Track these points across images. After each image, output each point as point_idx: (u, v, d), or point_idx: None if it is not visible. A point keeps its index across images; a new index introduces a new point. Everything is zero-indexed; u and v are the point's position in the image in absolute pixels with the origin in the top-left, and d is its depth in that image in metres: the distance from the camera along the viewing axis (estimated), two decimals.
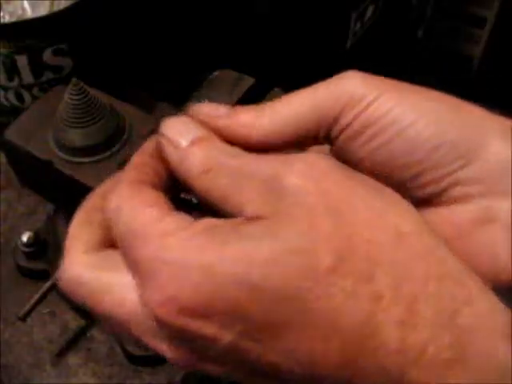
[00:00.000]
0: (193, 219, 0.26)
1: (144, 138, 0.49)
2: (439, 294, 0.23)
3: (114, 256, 0.28)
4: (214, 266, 0.23)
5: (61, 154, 0.48)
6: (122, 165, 0.40)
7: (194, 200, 0.39)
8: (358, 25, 0.90)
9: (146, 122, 0.51)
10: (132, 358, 0.52)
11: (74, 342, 0.54)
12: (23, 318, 0.48)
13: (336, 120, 0.28)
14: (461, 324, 0.23)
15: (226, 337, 0.24)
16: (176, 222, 0.26)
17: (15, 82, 0.61)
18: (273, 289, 0.23)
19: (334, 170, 0.26)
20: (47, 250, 0.56)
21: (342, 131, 0.28)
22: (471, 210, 0.27)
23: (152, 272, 0.25)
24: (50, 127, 0.49)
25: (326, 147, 0.30)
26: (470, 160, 0.27)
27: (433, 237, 0.25)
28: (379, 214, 0.25)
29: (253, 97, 0.45)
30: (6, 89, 0.62)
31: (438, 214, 0.28)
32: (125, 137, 0.49)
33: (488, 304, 0.24)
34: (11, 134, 0.50)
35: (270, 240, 0.24)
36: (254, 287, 0.23)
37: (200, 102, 0.44)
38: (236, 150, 0.28)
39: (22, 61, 0.59)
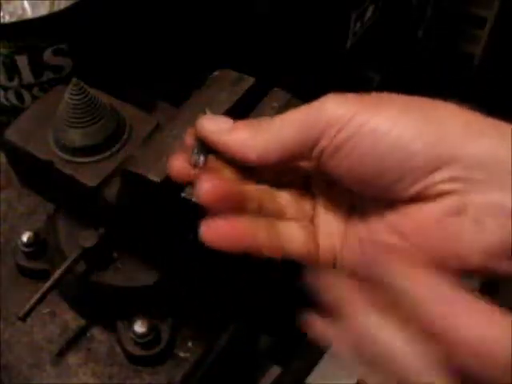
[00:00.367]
0: None
1: (144, 138, 0.49)
2: None
3: None
4: None
5: (61, 154, 0.48)
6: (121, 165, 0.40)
7: (194, 200, 0.39)
8: (358, 25, 0.90)
9: (146, 121, 0.51)
10: (132, 358, 0.52)
11: (73, 341, 0.54)
12: (23, 318, 0.48)
13: (317, 141, 0.31)
14: None
15: None
16: None
17: (15, 82, 0.61)
18: None
19: None
20: (47, 250, 0.56)
21: (323, 151, 0.32)
22: (444, 203, 0.30)
23: None
24: (49, 127, 0.49)
25: None
26: (444, 162, 0.29)
27: None
28: None
29: (253, 97, 0.45)
30: (6, 89, 0.62)
31: (416, 208, 0.31)
32: (125, 137, 0.49)
33: None
34: (11, 133, 0.50)
35: None
36: None
37: (199, 102, 0.44)
38: None
39: (22, 61, 0.59)
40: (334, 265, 0.35)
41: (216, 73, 0.47)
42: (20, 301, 0.54)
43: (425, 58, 1.33)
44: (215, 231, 0.33)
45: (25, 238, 0.55)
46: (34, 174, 0.52)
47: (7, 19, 0.64)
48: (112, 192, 0.46)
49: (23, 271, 0.57)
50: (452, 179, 0.29)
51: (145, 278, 0.51)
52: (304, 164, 0.36)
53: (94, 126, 0.47)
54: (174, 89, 0.60)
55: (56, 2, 0.64)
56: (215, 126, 0.34)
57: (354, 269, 0.34)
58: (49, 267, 0.55)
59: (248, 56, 0.74)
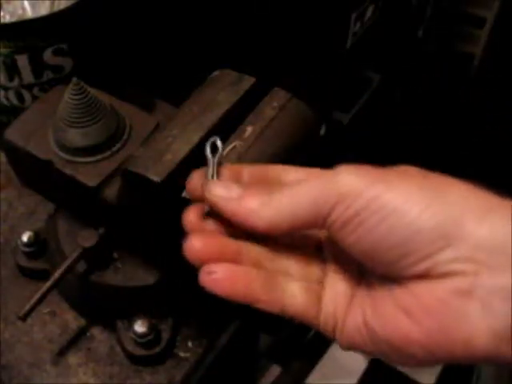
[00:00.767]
0: None
1: (144, 138, 0.49)
2: None
3: None
4: None
5: (61, 154, 0.48)
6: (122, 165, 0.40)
7: None
8: (358, 25, 0.90)
9: (146, 121, 0.51)
10: (132, 358, 0.52)
11: (74, 341, 0.54)
12: (23, 318, 0.48)
13: (329, 214, 0.32)
14: None
15: None
16: None
17: (15, 82, 0.61)
18: None
19: None
20: (47, 249, 0.56)
21: (333, 222, 0.32)
22: (451, 284, 0.30)
23: None
24: (50, 127, 0.49)
25: None
26: (449, 242, 0.29)
27: None
28: None
29: (253, 97, 0.45)
30: (6, 88, 0.62)
31: (422, 286, 0.31)
32: (125, 137, 0.49)
33: None
34: (11, 133, 0.50)
35: None
36: None
37: (199, 102, 0.44)
38: None
39: (22, 60, 0.59)
40: (333, 329, 0.35)
41: (216, 73, 0.47)
42: (20, 301, 0.54)
43: (425, 57, 1.33)
44: (212, 280, 0.34)
45: (25, 237, 0.55)
46: (34, 173, 0.52)
47: (7, 19, 0.64)
48: (112, 192, 0.46)
49: (23, 271, 0.57)
50: (459, 259, 0.29)
51: (145, 277, 0.51)
52: (315, 230, 0.36)
53: (94, 125, 0.47)
54: (174, 89, 0.60)
55: (56, 2, 0.64)
56: (224, 193, 0.34)
57: (354, 341, 0.34)
58: (49, 267, 0.55)
59: (248, 56, 0.74)
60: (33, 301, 0.48)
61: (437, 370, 1.21)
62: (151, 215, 0.44)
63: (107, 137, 0.48)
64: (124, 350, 0.52)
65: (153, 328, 0.51)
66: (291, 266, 0.36)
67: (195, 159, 0.39)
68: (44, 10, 0.64)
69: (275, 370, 1.19)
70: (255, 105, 0.45)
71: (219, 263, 0.34)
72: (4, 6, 0.64)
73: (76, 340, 0.54)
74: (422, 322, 0.30)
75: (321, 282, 0.36)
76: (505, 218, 0.29)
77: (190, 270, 0.51)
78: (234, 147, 0.42)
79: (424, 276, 0.30)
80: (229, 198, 0.34)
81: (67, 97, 0.47)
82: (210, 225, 0.36)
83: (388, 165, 0.35)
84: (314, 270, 0.37)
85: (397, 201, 0.30)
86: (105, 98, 0.49)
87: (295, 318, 0.35)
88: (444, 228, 0.29)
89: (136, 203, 0.44)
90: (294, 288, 0.35)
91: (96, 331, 0.54)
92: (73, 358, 0.53)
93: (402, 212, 0.30)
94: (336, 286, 0.36)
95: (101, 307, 0.54)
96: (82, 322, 0.55)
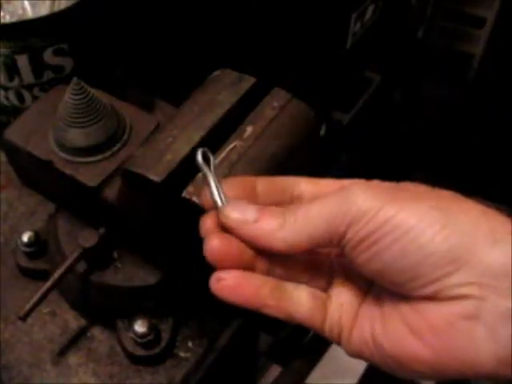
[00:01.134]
0: None
1: (144, 138, 0.49)
2: None
3: None
4: None
5: (61, 154, 0.48)
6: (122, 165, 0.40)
7: (196, 200, 0.39)
8: (358, 25, 0.90)
9: (146, 121, 0.51)
10: (132, 358, 0.52)
11: (74, 341, 0.54)
12: (23, 318, 0.48)
13: (344, 234, 0.32)
14: None
15: None
16: None
17: (16, 82, 0.61)
18: None
19: None
20: (47, 249, 0.56)
21: (348, 242, 0.32)
22: (458, 307, 0.30)
23: None
24: (50, 127, 0.49)
25: None
26: (459, 266, 0.30)
27: None
28: None
29: (253, 97, 0.45)
30: (6, 89, 0.62)
31: (430, 308, 0.31)
32: (125, 137, 0.49)
33: None
34: (11, 133, 0.50)
35: None
36: None
37: (199, 102, 0.44)
38: None
39: (22, 61, 0.59)
40: (339, 337, 0.36)
41: (216, 73, 0.47)
42: (20, 301, 0.54)
43: (425, 58, 1.33)
44: (222, 286, 0.34)
45: (25, 237, 0.55)
46: (34, 173, 0.52)
47: (7, 19, 0.64)
48: (112, 192, 0.46)
49: (23, 271, 0.57)
50: (468, 284, 0.30)
51: (145, 277, 0.51)
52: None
53: (95, 125, 0.47)
54: (174, 88, 0.60)
55: (56, 2, 0.64)
56: (240, 216, 0.34)
57: (361, 352, 0.35)
58: (49, 267, 0.55)
59: (248, 56, 0.74)
60: (33, 301, 0.48)
61: None
62: (151, 215, 0.44)
63: (107, 137, 0.48)
64: (124, 349, 0.52)
65: (153, 328, 0.51)
66: (300, 272, 0.37)
67: (195, 159, 0.39)
68: (44, 10, 0.64)
69: (275, 370, 1.19)
70: (255, 105, 0.45)
71: (229, 270, 0.34)
72: (4, 5, 0.64)
73: (76, 340, 0.54)
74: (430, 343, 0.31)
75: (327, 290, 0.37)
76: None
77: (190, 270, 0.51)
78: (234, 147, 0.42)
79: (432, 298, 0.31)
80: (244, 221, 0.34)
81: (67, 97, 0.47)
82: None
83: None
84: (322, 277, 0.37)
85: (410, 222, 0.30)
86: (105, 98, 0.49)
87: (301, 323, 0.36)
88: (456, 252, 0.30)
89: (136, 203, 0.44)
90: (301, 295, 0.36)
91: (96, 331, 0.54)
92: (73, 358, 0.53)
93: (415, 234, 0.30)
94: (342, 295, 0.36)
95: (101, 307, 0.54)
96: (82, 321, 0.55)
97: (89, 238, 0.49)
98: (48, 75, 0.61)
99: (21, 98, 0.62)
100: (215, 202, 0.35)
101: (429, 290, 0.31)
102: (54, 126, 0.49)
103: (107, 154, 0.48)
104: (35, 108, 0.53)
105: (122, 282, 0.51)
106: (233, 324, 0.55)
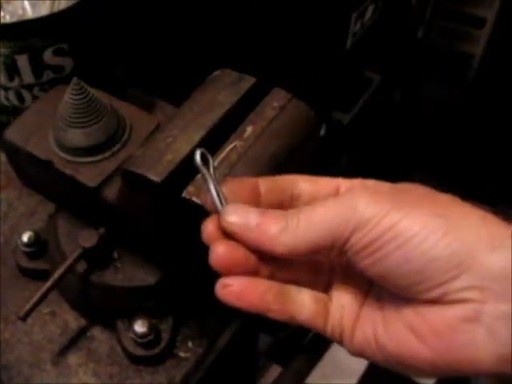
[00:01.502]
0: None
1: (144, 138, 0.49)
2: None
3: None
4: None
5: (61, 154, 0.48)
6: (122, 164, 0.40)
7: (196, 200, 0.39)
8: (358, 25, 0.90)
9: (146, 121, 0.51)
10: (132, 358, 0.52)
11: (74, 341, 0.54)
12: (23, 318, 0.48)
13: (347, 240, 0.32)
14: None
15: None
16: None
17: (16, 82, 0.61)
18: None
19: None
20: (47, 249, 0.56)
21: (350, 247, 0.32)
22: (460, 310, 0.31)
23: None
24: (50, 127, 0.49)
25: None
26: (462, 271, 0.30)
27: None
28: None
29: (253, 97, 0.45)
30: (6, 89, 0.62)
31: (432, 311, 0.32)
32: (125, 137, 0.49)
33: None
34: (11, 133, 0.50)
35: None
36: None
37: (199, 102, 0.44)
38: None
39: (22, 61, 0.59)
40: (341, 337, 0.36)
41: (216, 73, 0.47)
42: (20, 301, 0.54)
43: (425, 57, 1.33)
44: (228, 292, 0.34)
45: (25, 237, 0.55)
46: (34, 173, 0.52)
47: (7, 19, 0.64)
48: (112, 192, 0.46)
49: (23, 271, 0.57)
50: (470, 287, 0.30)
51: (145, 277, 0.51)
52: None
53: (95, 125, 0.47)
54: (174, 88, 0.60)
55: (56, 2, 0.64)
56: (242, 221, 0.34)
57: (364, 351, 0.35)
58: (49, 267, 0.55)
59: (248, 56, 0.74)
60: (33, 301, 0.48)
61: None
62: (151, 215, 0.44)
63: (107, 137, 0.48)
64: (124, 350, 0.52)
65: (153, 328, 0.51)
66: (302, 275, 0.37)
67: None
68: (44, 10, 0.64)
69: (275, 370, 1.19)
70: (255, 105, 0.45)
71: (234, 276, 0.34)
72: (4, 5, 0.64)
73: (76, 340, 0.54)
74: (431, 344, 0.32)
75: (328, 290, 0.37)
76: None
77: (189, 270, 0.51)
78: (234, 147, 0.42)
79: (436, 301, 0.31)
80: (246, 226, 0.34)
81: (67, 97, 0.47)
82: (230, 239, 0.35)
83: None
84: (322, 278, 0.37)
85: (414, 229, 0.31)
86: (105, 98, 0.49)
87: (304, 325, 0.36)
88: (458, 257, 0.30)
89: (136, 203, 0.44)
90: (303, 298, 0.36)
91: (96, 331, 0.54)
92: (73, 358, 0.53)
93: (418, 240, 0.31)
94: (343, 297, 0.37)
95: (101, 307, 0.54)
96: (82, 322, 0.55)
97: (89, 238, 0.49)
98: (48, 75, 0.61)
99: (21, 98, 0.62)
100: (216, 207, 0.34)
101: (434, 294, 0.31)
102: (53, 126, 0.49)
103: (107, 154, 0.48)
104: (35, 108, 0.53)
105: (122, 282, 0.51)
106: (233, 324, 0.55)
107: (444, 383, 1.20)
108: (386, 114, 1.28)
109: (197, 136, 0.42)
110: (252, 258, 0.34)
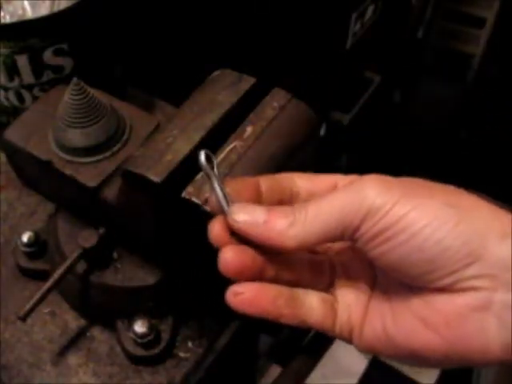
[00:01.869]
0: None
1: (144, 138, 0.49)
2: None
3: None
4: None
5: (61, 154, 0.48)
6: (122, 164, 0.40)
7: (195, 200, 0.39)
8: (358, 25, 0.90)
9: (146, 121, 0.51)
10: (132, 358, 0.52)
11: (74, 341, 0.54)
12: (23, 318, 0.48)
13: (357, 229, 0.32)
14: None
15: None
16: None
17: (16, 82, 0.61)
18: None
19: None
20: (47, 250, 0.56)
21: (361, 236, 0.32)
22: (471, 299, 0.31)
23: None
24: (50, 127, 0.49)
25: None
26: (473, 259, 0.31)
27: None
28: None
29: (253, 97, 0.45)
30: (6, 89, 0.62)
31: (442, 300, 0.32)
32: (125, 137, 0.49)
33: None
34: (11, 133, 0.50)
35: None
36: None
37: (199, 102, 0.44)
38: None
39: (22, 61, 0.59)
40: (350, 336, 0.36)
41: (216, 73, 0.47)
42: (20, 301, 0.54)
43: (425, 57, 1.33)
44: (241, 300, 0.34)
45: (25, 238, 0.55)
46: (34, 173, 0.52)
47: (7, 19, 0.64)
48: (112, 192, 0.46)
49: (23, 271, 0.57)
50: (480, 276, 0.31)
51: (145, 277, 0.51)
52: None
53: (94, 126, 0.47)
54: (174, 89, 0.60)
55: (56, 2, 0.64)
56: (250, 219, 0.34)
57: (374, 347, 0.35)
58: (49, 267, 0.55)
59: (248, 56, 0.74)
60: (33, 301, 0.48)
61: (437, 371, 1.21)
62: (151, 215, 0.44)
63: (107, 137, 0.48)
64: (124, 350, 0.52)
65: (153, 328, 0.51)
66: (304, 275, 0.37)
67: (195, 159, 0.39)
68: (44, 10, 0.64)
69: (275, 370, 1.19)
70: (255, 105, 0.45)
71: (244, 283, 0.34)
72: (4, 6, 0.64)
73: (76, 340, 0.54)
74: (442, 333, 0.32)
75: (330, 289, 0.37)
76: None
77: (189, 270, 0.51)
78: (234, 147, 0.42)
79: (446, 289, 0.31)
80: (254, 223, 0.34)
81: (67, 97, 0.47)
82: (238, 240, 0.35)
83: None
84: (324, 278, 0.38)
85: (426, 219, 0.31)
86: (105, 98, 0.49)
87: (313, 328, 0.36)
88: (470, 246, 0.31)
89: (136, 203, 0.44)
90: (311, 300, 0.36)
91: (96, 331, 0.54)
92: (73, 358, 0.53)
93: (431, 230, 0.31)
94: (347, 296, 0.37)
95: (101, 307, 0.54)
96: (82, 322, 0.55)
97: (89, 238, 0.49)
98: (48, 75, 0.61)
99: (21, 98, 0.62)
100: (222, 206, 0.34)
101: (445, 282, 0.31)
102: (53, 126, 0.49)
103: (107, 154, 0.48)
104: (35, 108, 0.53)
105: (122, 282, 0.51)
106: (233, 324, 0.55)
107: (444, 383, 1.20)
108: (385, 113, 1.28)
109: (197, 136, 0.42)
110: (258, 260, 0.34)
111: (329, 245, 0.38)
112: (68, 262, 0.49)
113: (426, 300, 0.32)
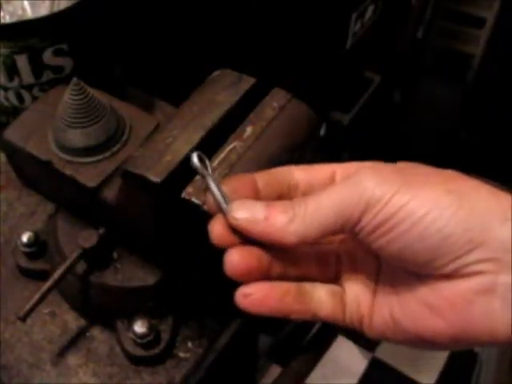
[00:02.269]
0: None
1: (144, 138, 0.49)
2: None
3: None
4: None
5: (61, 155, 0.48)
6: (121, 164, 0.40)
7: (195, 200, 0.39)
8: (358, 25, 0.90)
9: (146, 122, 0.51)
10: (132, 358, 0.52)
11: (74, 342, 0.54)
12: (23, 318, 0.48)
13: (358, 221, 0.32)
14: None
15: None
16: None
17: (15, 82, 0.61)
18: None
19: None
20: (47, 250, 0.56)
21: (362, 228, 0.32)
22: (475, 283, 0.31)
23: None
24: (49, 127, 0.49)
25: None
26: (476, 244, 0.31)
27: None
28: None
29: (253, 97, 0.45)
30: (6, 89, 0.62)
31: (447, 285, 0.32)
32: (125, 137, 0.49)
33: None
34: (11, 134, 0.50)
35: None
36: None
37: (199, 102, 0.44)
38: None
39: (22, 61, 0.59)
40: (361, 324, 0.36)
41: (216, 73, 0.47)
42: (20, 301, 0.54)
43: (425, 58, 1.33)
44: (250, 301, 0.34)
45: (25, 238, 0.55)
46: (34, 173, 0.52)
47: (7, 19, 0.64)
48: (112, 192, 0.46)
49: (23, 271, 0.57)
50: (483, 260, 0.31)
51: (145, 277, 0.51)
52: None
53: (94, 126, 0.47)
54: (174, 89, 0.60)
55: (56, 2, 0.64)
56: (249, 216, 0.34)
57: (384, 333, 0.35)
58: (49, 267, 0.55)
59: (248, 56, 0.74)
60: (33, 301, 0.48)
61: (437, 370, 1.21)
62: (151, 215, 0.44)
63: (107, 137, 0.48)
64: (124, 350, 0.52)
65: (153, 328, 0.51)
66: (310, 269, 0.37)
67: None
68: (44, 10, 0.64)
69: (275, 370, 1.19)
70: (255, 105, 0.45)
71: (252, 284, 0.34)
72: (4, 6, 0.64)
73: (76, 340, 0.54)
74: (449, 318, 0.32)
75: (337, 281, 0.37)
76: None
77: (189, 270, 0.51)
78: (234, 148, 0.42)
79: (451, 276, 0.31)
80: (254, 220, 0.33)
81: (67, 97, 0.47)
82: (240, 238, 0.35)
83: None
84: (331, 270, 0.38)
85: (426, 207, 0.31)
86: (105, 98, 0.49)
87: (325, 320, 0.36)
88: (472, 231, 0.31)
89: (136, 203, 0.44)
90: (320, 293, 0.36)
91: (96, 331, 0.54)
92: (73, 359, 0.53)
93: (432, 218, 0.31)
94: (354, 286, 0.37)
95: (101, 307, 0.54)
96: (82, 322, 0.55)
97: (89, 238, 0.49)
98: (48, 75, 0.61)
99: (20, 98, 0.62)
100: (220, 205, 0.34)
101: (449, 268, 0.31)
102: (53, 126, 0.49)
103: (107, 154, 0.48)
104: (35, 108, 0.53)
105: (122, 283, 0.51)
106: (232, 324, 0.55)
107: (444, 383, 1.20)
108: (385, 114, 1.28)
109: (196, 136, 0.42)
110: (264, 259, 0.34)
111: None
112: (68, 262, 0.49)
113: (431, 286, 0.32)
